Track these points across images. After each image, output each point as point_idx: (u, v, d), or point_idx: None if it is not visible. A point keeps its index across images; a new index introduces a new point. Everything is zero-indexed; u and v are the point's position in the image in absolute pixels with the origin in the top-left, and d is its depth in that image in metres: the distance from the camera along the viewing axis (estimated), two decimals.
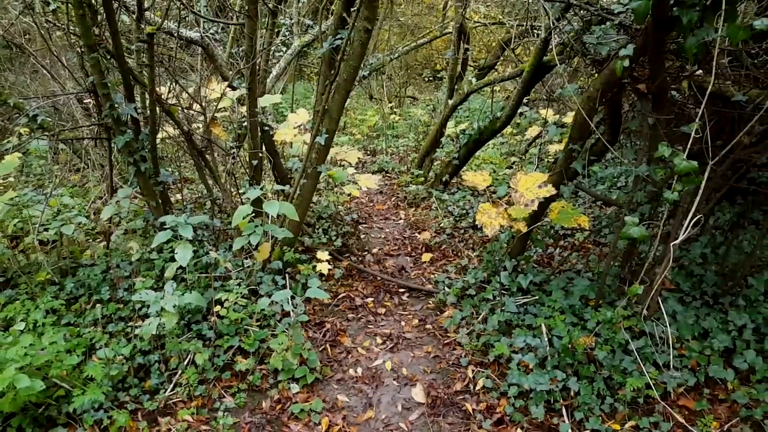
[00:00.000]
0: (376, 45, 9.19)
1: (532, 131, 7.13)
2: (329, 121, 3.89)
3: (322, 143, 3.86)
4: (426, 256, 5.21)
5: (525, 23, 7.61)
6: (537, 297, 4.01)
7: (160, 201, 4.24)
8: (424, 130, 10.23)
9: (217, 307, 3.46)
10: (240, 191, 5.09)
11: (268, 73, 6.84)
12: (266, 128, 5.34)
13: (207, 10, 8.07)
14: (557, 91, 3.13)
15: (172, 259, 3.80)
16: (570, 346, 3.36)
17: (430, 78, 15.53)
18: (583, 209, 6.04)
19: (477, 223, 3.43)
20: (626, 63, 2.80)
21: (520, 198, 3.35)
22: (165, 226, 3.53)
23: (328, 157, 5.27)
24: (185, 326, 3.50)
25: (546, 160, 7.50)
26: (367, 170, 8.37)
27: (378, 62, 8.70)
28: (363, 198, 7.01)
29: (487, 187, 3.58)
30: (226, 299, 3.41)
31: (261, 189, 3.79)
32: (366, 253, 5.31)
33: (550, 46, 5.43)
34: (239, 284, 3.94)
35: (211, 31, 6.91)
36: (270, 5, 5.40)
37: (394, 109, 11.67)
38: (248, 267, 4.12)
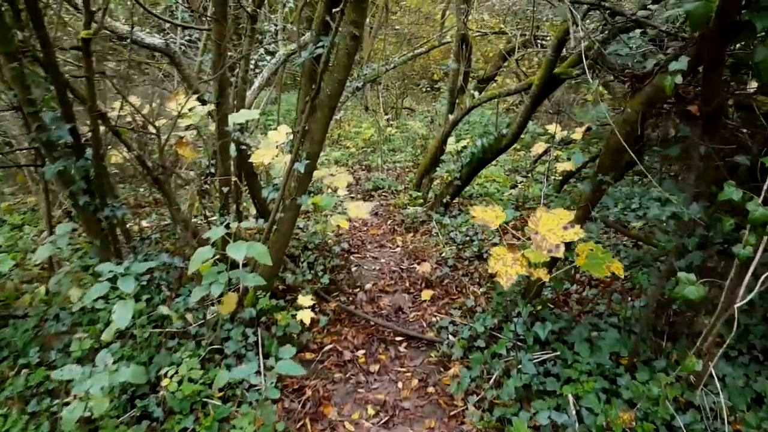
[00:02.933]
0: (370, 55, 8.59)
1: (538, 147, 6.51)
2: (311, 143, 3.26)
3: (302, 170, 3.22)
4: (426, 294, 4.56)
5: (530, 32, 7.04)
6: (558, 351, 3.37)
7: (108, 239, 3.60)
8: (422, 143, 9.62)
9: (166, 381, 2.80)
10: (212, 222, 4.45)
11: (250, 84, 6.22)
12: (243, 148, 4.71)
13: (191, 17, 7.47)
14: (589, 112, 2.52)
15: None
16: (605, 424, 2.72)
17: (428, 88, 14.95)
18: (597, 236, 5.39)
19: (490, 270, 2.79)
20: (678, 79, 2.18)
21: (542, 241, 2.72)
22: (101, 279, 2.90)
23: (315, 180, 4.66)
24: (128, 401, 2.84)
25: (553, 178, 6.89)
26: (361, 188, 7.74)
27: (373, 72, 8.09)
28: (356, 221, 6.36)
29: (501, 225, 2.94)
30: (175, 373, 2.75)
31: (226, 225, 3.15)
32: (358, 290, 4.66)
33: (564, 54, 4.84)
34: (200, 343, 3.30)
35: (186, 38, 6.30)
36: (249, 9, 4.78)
37: (391, 122, 11.06)
38: (212, 318, 3.48)
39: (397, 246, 5.59)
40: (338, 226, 4.52)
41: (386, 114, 11.39)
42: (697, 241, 2.67)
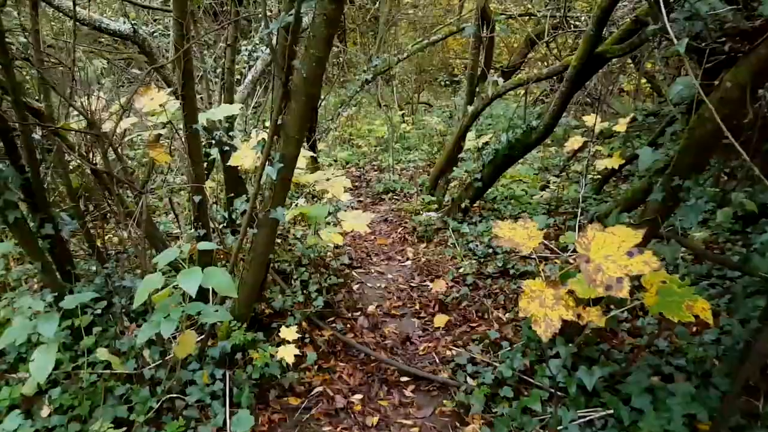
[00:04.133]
0: (381, 45, 7.85)
1: (574, 143, 5.68)
2: (285, 142, 2.53)
3: (274, 177, 2.50)
4: (440, 319, 3.81)
5: (561, 11, 6.23)
6: (611, 408, 2.60)
7: (52, 261, 2.93)
8: (439, 140, 8.85)
9: None
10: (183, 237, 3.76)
11: (242, 77, 5.54)
12: (225, 150, 4.03)
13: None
14: (674, 89, 1.74)
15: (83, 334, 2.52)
16: None
17: (447, 82, 14.14)
18: (672, 262, 4.52)
19: (521, 313, 2.04)
20: None
21: (597, 273, 1.94)
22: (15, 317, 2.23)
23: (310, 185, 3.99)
24: None
25: (591, 177, 6.07)
26: (372, 190, 7.00)
27: (383, 63, 7.34)
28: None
29: (536, 249, 2.17)
30: None
31: (179, 247, 2.44)
32: (358, 313, 3.93)
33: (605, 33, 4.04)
34: (156, 389, 2.62)
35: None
36: None
37: (405, 118, 10.29)
38: (170, 359, 2.79)
39: (408, 258, 4.84)
40: (334, 240, 3.80)
41: (401, 109, 10.63)
42: None
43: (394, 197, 6.64)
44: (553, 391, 2.83)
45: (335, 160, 7.99)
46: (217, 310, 2.52)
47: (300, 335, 3.41)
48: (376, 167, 8.18)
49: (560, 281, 2.06)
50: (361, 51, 9.98)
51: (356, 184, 7.45)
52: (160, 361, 2.81)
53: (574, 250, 2.34)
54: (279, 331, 3.18)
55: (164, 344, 2.86)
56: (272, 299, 3.66)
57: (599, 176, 5.73)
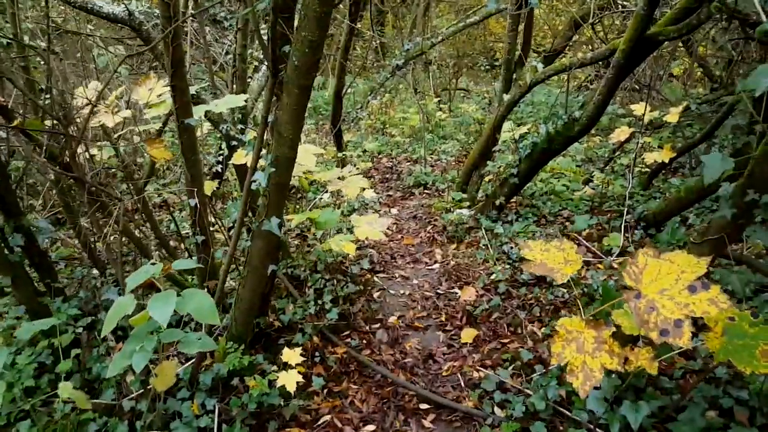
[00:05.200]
0: (412, 28, 7.41)
1: (621, 133, 5.14)
2: (278, 143, 2.18)
3: (264, 183, 2.16)
4: (467, 334, 3.42)
5: None
6: None
7: (23, 273, 2.67)
8: (476, 129, 8.36)
9: None
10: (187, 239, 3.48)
11: (259, 64, 5.22)
12: (233, 145, 3.73)
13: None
14: (759, 81, 1.29)
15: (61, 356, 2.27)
16: None
17: (488, 67, 13.53)
18: (742, 293, 4.04)
19: (554, 362, 1.64)
20: None
21: (649, 313, 1.52)
22: None
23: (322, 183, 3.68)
24: None
25: (639, 170, 5.52)
26: (402, 183, 6.61)
27: (417, 48, 6.90)
28: (390, 226, 5.25)
29: (573, 278, 1.76)
30: None
31: (152, 263, 2.12)
32: (378, 325, 3.58)
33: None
34: (137, 425, 2.34)
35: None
36: None
37: (442, 105, 9.81)
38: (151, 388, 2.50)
39: (435, 261, 4.45)
40: (352, 245, 3.45)
41: (437, 96, 10.15)
42: None
43: (425, 192, 6.23)
44: (592, 428, 2.43)
45: (364, 151, 7.63)
46: (200, 338, 2.21)
47: (308, 354, 3.09)
48: (408, 158, 7.77)
49: (603, 320, 1.65)
50: (399, 35, 9.56)
51: (387, 176, 7.07)
52: (142, 390, 2.53)
53: (619, 255, 1.90)
54: (283, 350, 2.87)
55: (147, 372, 2.57)
56: (282, 311, 3.36)
57: (648, 170, 5.18)
